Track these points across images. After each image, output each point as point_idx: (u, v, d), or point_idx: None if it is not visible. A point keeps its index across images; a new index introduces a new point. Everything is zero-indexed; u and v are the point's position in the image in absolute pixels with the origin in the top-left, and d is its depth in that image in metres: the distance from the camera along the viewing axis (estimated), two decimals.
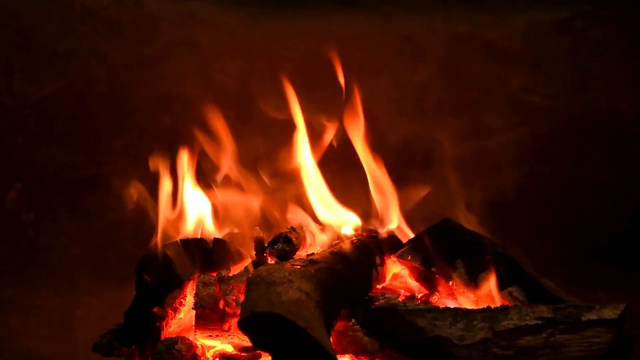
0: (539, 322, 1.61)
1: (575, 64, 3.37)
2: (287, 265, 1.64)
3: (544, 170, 3.30)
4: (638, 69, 3.33)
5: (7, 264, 3.16)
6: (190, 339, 1.79)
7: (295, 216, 2.07)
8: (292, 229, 2.02)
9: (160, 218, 2.03)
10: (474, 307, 1.77)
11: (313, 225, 2.05)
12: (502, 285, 1.85)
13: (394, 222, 2.08)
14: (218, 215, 2.11)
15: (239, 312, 1.58)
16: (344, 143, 2.19)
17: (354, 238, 1.95)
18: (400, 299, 1.82)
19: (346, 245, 1.87)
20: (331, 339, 1.56)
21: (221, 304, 1.75)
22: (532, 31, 3.38)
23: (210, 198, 2.12)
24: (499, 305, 1.73)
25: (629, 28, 3.36)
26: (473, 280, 1.87)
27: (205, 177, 2.18)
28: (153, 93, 3.30)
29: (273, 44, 3.35)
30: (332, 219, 2.08)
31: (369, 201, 2.12)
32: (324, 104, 2.17)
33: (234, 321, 1.73)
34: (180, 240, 1.97)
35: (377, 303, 1.76)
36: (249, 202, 2.16)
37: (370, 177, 2.12)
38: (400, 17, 3.36)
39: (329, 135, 2.17)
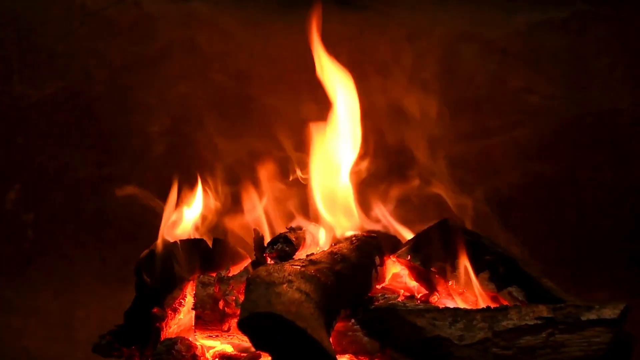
0: (539, 322, 1.61)
1: (575, 64, 3.36)
2: (287, 265, 1.64)
3: (544, 170, 3.30)
4: (638, 69, 3.33)
5: (7, 264, 3.16)
6: (190, 339, 1.79)
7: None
8: (292, 229, 2.02)
9: (161, 218, 2.03)
10: (474, 307, 1.78)
11: (313, 226, 2.05)
12: (502, 285, 1.85)
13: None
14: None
15: (238, 312, 1.58)
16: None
17: (353, 238, 1.95)
18: (399, 299, 1.82)
19: (346, 246, 1.87)
20: (331, 339, 1.55)
21: (221, 304, 1.75)
22: (532, 31, 3.38)
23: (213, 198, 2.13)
24: (498, 305, 1.73)
25: (629, 28, 3.35)
26: None
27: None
28: (153, 93, 3.30)
29: (273, 44, 3.34)
30: (334, 218, 2.08)
31: None
32: (325, 104, 2.17)
33: (234, 321, 1.73)
34: (180, 240, 1.97)
35: (376, 303, 1.76)
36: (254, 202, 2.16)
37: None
38: (400, 17, 3.36)
39: None
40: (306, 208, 2.10)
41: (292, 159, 2.24)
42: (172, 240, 1.96)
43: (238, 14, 3.37)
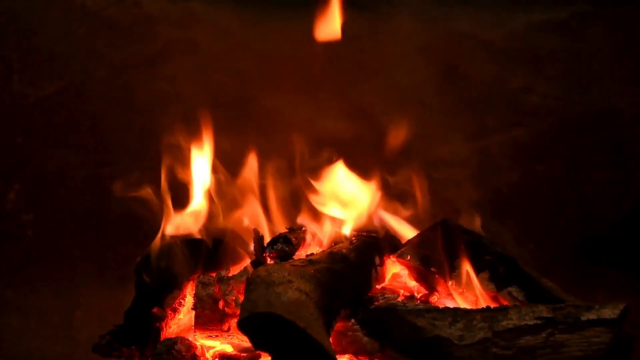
0: (539, 322, 1.61)
1: (575, 64, 3.37)
2: (287, 265, 1.64)
3: (544, 170, 3.30)
4: (638, 69, 3.33)
5: (7, 264, 3.16)
6: (190, 339, 1.79)
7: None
8: (292, 229, 2.02)
9: (161, 218, 2.03)
10: (474, 307, 1.78)
11: (312, 226, 2.05)
12: (502, 285, 1.85)
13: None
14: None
15: (238, 312, 1.58)
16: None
17: (353, 238, 1.95)
18: (399, 299, 1.82)
19: (345, 246, 1.87)
20: (331, 339, 1.55)
21: (221, 304, 1.75)
22: (532, 31, 3.38)
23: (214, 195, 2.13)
24: (498, 305, 1.73)
25: (629, 28, 3.35)
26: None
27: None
28: (152, 93, 3.30)
29: (273, 44, 3.34)
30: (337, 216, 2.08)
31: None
32: (324, 103, 2.18)
33: (234, 321, 1.73)
34: (180, 240, 1.97)
35: (376, 303, 1.76)
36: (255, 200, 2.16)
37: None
38: (400, 17, 3.36)
39: None
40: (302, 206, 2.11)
41: (293, 157, 2.24)
42: (172, 240, 1.96)
43: (238, 14, 3.37)
